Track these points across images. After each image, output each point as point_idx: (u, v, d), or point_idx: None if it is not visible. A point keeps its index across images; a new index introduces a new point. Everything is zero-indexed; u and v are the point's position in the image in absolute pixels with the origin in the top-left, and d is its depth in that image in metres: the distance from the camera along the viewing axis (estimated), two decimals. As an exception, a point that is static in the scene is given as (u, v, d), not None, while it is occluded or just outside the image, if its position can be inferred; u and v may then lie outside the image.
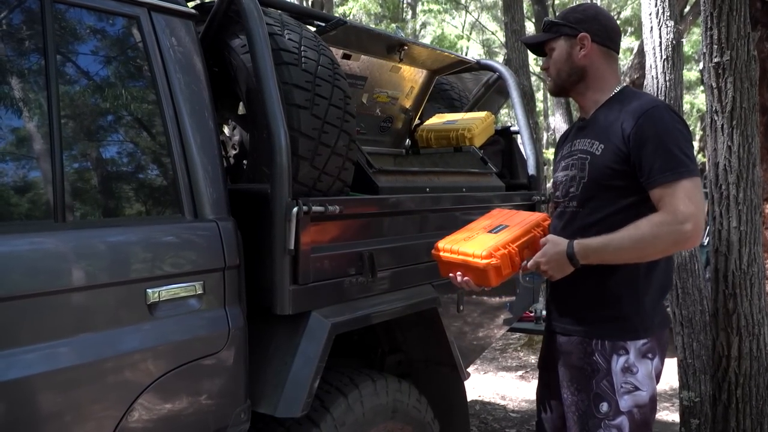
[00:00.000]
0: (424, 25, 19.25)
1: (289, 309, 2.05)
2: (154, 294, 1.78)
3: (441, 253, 2.12)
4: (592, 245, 1.91)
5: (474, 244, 2.06)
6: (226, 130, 2.72)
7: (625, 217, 1.92)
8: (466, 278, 2.07)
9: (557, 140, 2.43)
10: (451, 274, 2.11)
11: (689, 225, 1.82)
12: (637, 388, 1.96)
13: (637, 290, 1.98)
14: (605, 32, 2.05)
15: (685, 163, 1.86)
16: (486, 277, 2.00)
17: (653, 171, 1.86)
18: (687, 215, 1.82)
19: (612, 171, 1.95)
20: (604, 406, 1.97)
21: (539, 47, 2.15)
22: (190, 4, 2.23)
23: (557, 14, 2.15)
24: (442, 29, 18.88)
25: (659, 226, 1.84)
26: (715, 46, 3.03)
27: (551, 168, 2.38)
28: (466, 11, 19.46)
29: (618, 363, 1.96)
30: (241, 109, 2.71)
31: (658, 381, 2.04)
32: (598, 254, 1.91)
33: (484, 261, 1.98)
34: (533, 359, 6.28)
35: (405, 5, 17.65)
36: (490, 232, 2.11)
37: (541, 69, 2.16)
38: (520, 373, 5.87)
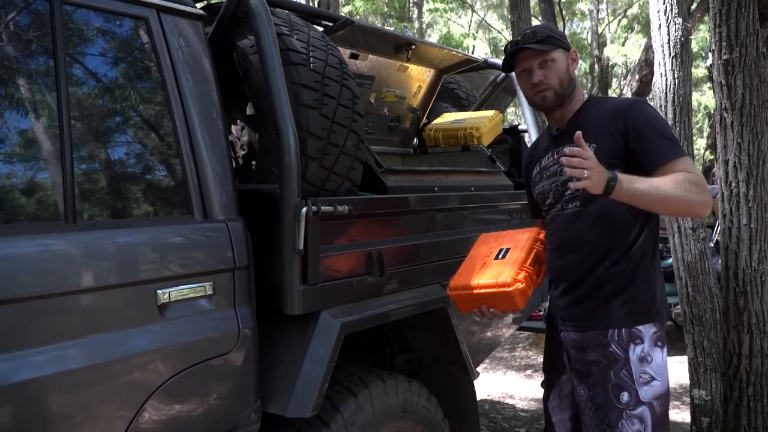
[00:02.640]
0: (430, 24, 19.26)
1: (299, 309, 2.05)
2: (165, 295, 1.79)
3: (461, 293, 2.16)
4: (636, 181, 1.88)
5: (490, 274, 2.12)
6: (234, 130, 2.72)
7: (629, 208, 1.97)
8: (492, 309, 2.15)
9: (523, 158, 2.49)
10: (476, 309, 2.18)
11: (708, 197, 1.95)
12: (653, 378, 2.00)
13: (648, 273, 2.06)
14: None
15: (680, 145, 2.05)
16: (513, 302, 2.08)
17: (661, 150, 1.97)
18: (708, 195, 1.95)
19: (610, 166, 1.93)
20: (625, 396, 1.99)
21: (511, 62, 2.15)
22: (199, 5, 2.23)
23: (538, 28, 2.17)
24: (448, 28, 18.89)
25: (692, 191, 1.90)
26: (724, 43, 3.02)
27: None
28: (472, 10, 19.44)
29: (635, 352, 2.00)
30: (249, 110, 2.71)
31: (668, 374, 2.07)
32: (637, 191, 1.87)
33: (511, 288, 2.05)
34: (542, 358, 6.26)
35: (411, 4, 17.64)
36: (496, 258, 2.17)
37: (534, 82, 2.12)
38: (528, 372, 5.86)
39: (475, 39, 19.34)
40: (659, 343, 2.03)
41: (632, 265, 2.05)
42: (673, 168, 1.94)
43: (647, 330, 2.02)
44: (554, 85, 2.10)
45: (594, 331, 2.06)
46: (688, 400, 3.99)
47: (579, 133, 1.84)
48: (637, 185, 1.87)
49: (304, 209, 2.01)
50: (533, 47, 2.09)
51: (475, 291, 2.12)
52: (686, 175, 1.91)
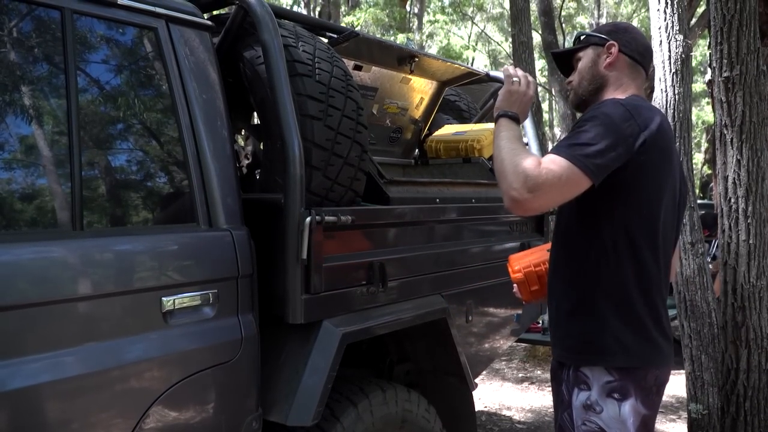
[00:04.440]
0: (430, 35, 19.34)
1: (301, 318, 2.06)
2: (169, 302, 1.80)
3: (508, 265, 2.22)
4: (507, 134, 1.81)
5: (524, 259, 2.16)
6: (239, 140, 2.74)
7: (583, 226, 1.84)
8: (515, 290, 2.18)
9: None
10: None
11: (518, 194, 1.66)
12: (603, 430, 1.78)
13: (598, 307, 1.81)
14: (635, 44, 1.96)
15: (580, 148, 1.69)
16: (520, 290, 2.14)
17: (557, 145, 1.77)
18: (530, 185, 1.65)
19: None
20: None
21: (568, 62, 2.04)
22: (206, 16, 2.25)
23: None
24: (449, 39, 18.97)
25: (518, 169, 1.67)
26: (725, 61, 3.05)
27: None
28: (472, 22, 19.54)
29: (578, 398, 1.82)
30: (254, 120, 2.73)
31: (646, 430, 1.82)
32: (498, 137, 1.82)
33: (514, 275, 2.11)
34: (538, 370, 6.27)
35: (411, 15, 17.72)
36: (547, 250, 2.14)
37: (566, 84, 2.06)
38: (525, 384, 5.85)
39: (474, 51, 19.42)
40: (615, 395, 1.77)
41: (579, 293, 1.85)
42: (547, 156, 1.72)
43: (596, 377, 1.79)
44: (575, 86, 2.00)
45: (557, 363, 1.94)
46: (685, 414, 4.00)
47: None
48: (500, 129, 1.82)
49: (308, 219, 2.03)
50: (563, 51, 2.07)
51: (509, 267, 2.18)
52: (531, 162, 1.67)
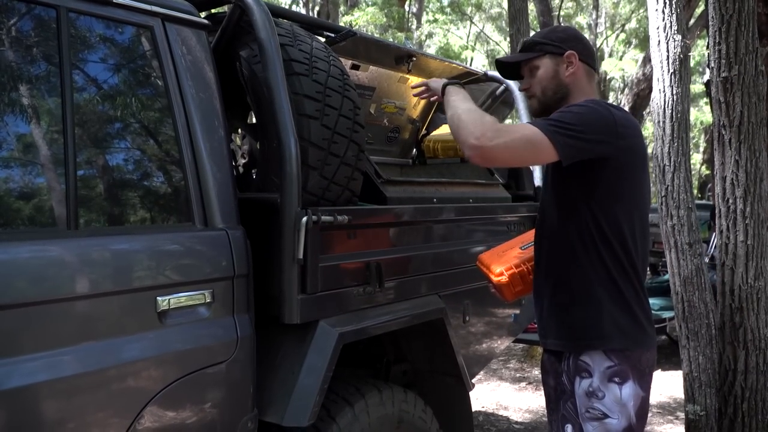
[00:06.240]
0: (429, 35, 19.34)
1: (297, 318, 2.06)
2: (164, 302, 1.79)
3: (480, 266, 2.26)
4: (458, 97, 1.97)
5: (501, 259, 2.19)
6: (236, 139, 2.73)
7: (565, 225, 1.93)
8: (493, 290, 2.21)
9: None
10: (489, 284, 2.25)
11: (477, 141, 1.74)
12: (606, 415, 1.85)
13: (594, 296, 1.90)
14: (587, 50, 2.04)
15: (555, 123, 1.78)
16: (501, 292, 2.16)
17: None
18: (491, 134, 1.74)
19: (552, 177, 1.98)
20: (569, 429, 1.93)
21: (515, 69, 2.10)
22: (203, 14, 2.24)
23: (535, 35, 2.12)
24: (447, 39, 18.97)
25: (479, 121, 1.79)
26: (723, 61, 3.04)
27: None
28: (471, 22, 19.54)
29: (581, 386, 1.89)
30: (251, 119, 2.72)
31: (643, 412, 1.91)
32: (450, 103, 1.96)
33: (497, 279, 2.14)
34: (536, 370, 6.26)
35: (410, 15, 17.71)
36: (521, 248, 2.21)
37: (519, 90, 2.09)
38: (522, 384, 5.85)
39: (473, 51, 19.42)
40: (616, 379, 1.85)
41: (576, 285, 1.93)
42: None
43: (597, 363, 1.87)
44: (536, 93, 2.02)
45: (552, 356, 2.01)
46: (682, 415, 4.00)
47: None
48: (452, 96, 1.96)
49: (305, 219, 2.02)
50: (514, 58, 2.07)
51: (484, 269, 2.22)
52: (493, 118, 1.81)
